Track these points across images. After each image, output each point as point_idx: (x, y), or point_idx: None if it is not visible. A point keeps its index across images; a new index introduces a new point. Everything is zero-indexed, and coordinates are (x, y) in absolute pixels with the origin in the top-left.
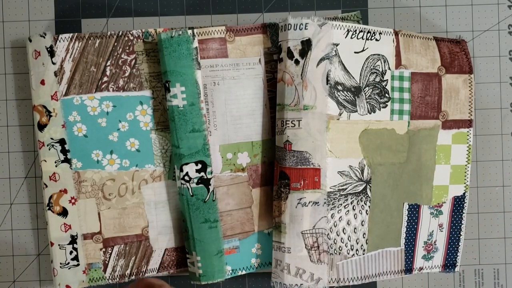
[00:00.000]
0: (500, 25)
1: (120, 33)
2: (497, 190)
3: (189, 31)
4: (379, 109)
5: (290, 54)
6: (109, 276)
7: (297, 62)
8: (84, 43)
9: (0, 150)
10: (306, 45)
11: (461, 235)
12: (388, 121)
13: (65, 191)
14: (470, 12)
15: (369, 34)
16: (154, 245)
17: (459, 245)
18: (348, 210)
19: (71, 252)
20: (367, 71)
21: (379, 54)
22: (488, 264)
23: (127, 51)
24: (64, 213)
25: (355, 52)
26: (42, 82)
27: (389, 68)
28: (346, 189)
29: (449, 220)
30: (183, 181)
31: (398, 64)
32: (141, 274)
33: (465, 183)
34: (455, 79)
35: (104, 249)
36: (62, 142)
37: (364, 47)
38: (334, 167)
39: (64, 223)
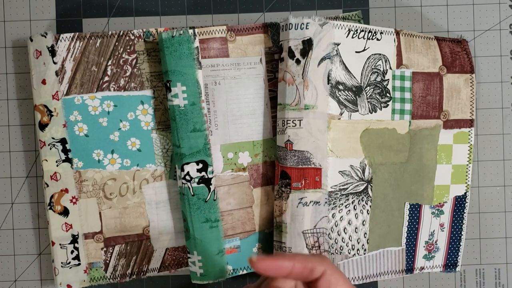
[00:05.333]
0: (502, 25)
1: (121, 33)
2: (499, 190)
3: (190, 31)
4: (380, 109)
5: (291, 54)
6: (110, 276)
7: (298, 61)
8: (85, 42)
9: (1, 149)
10: (307, 45)
11: (462, 234)
12: (389, 121)
13: (66, 190)
14: (471, 11)
15: (370, 33)
16: (155, 244)
17: (460, 245)
18: (349, 210)
19: (72, 252)
20: (368, 70)
21: (380, 54)
22: (489, 264)
23: (128, 50)
24: (65, 212)
25: (356, 52)
26: (43, 82)
27: (390, 68)
28: (347, 188)
29: (450, 219)
30: (184, 181)
31: (399, 63)
32: (142, 273)
33: (466, 183)
34: (457, 78)
35: (105, 249)
36: (63, 141)
37: (365, 47)
38: (335, 167)
39: (65, 223)
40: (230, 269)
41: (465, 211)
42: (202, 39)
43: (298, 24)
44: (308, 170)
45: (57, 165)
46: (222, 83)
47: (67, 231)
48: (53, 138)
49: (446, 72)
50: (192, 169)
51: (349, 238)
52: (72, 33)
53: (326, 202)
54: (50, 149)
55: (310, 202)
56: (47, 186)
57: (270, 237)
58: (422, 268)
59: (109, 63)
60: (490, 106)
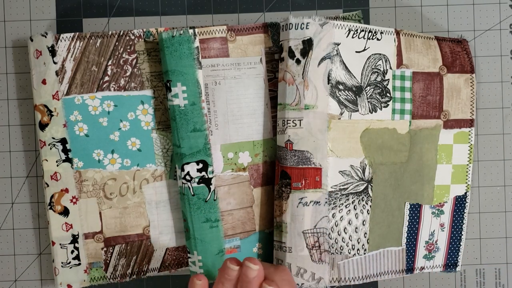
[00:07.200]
0: (502, 25)
1: (121, 33)
2: (499, 189)
3: (190, 31)
4: (381, 109)
5: (291, 54)
6: (110, 276)
7: (298, 61)
8: (86, 42)
9: (1, 149)
10: (307, 45)
11: (462, 234)
12: (390, 121)
13: (66, 190)
14: (472, 11)
15: (370, 33)
16: (155, 244)
17: (461, 245)
18: (349, 210)
19: (72, 252)
20: (368, 70)
21: (380, 54)
22: (490, 263)
23: (128, 50)
24: (65, 212)
25: (356, 52)
26: (44, 82)
27: (391, 68)
28: (347, 188)
29: (451, 219)
30: (184, 181)
31: (400, 63)
32: (142, 273)
33: (466, 182)
34: (457, 78)
35: (105, 249)
36: (63, 141)
37: (365, 47)
38: (335, 167)
39: (66, 223)
40: None
41: (465, 211)
42: (202, 39)
43: (298, 24)
44: (308, 170)
45: (57, 165)
46: (222, 83)
47: (67, 231)
48: (53, 138)
49: (446, 72)
50: (192, 169)
51: (349, 238)
52: (72, 33)
53: (326, 202)
54: (50, 149)
55: (310, 202)
56: (47, 186)
57: (270, 237)
58: (422, 268)
59: (109, 63)
60: (490, 106)
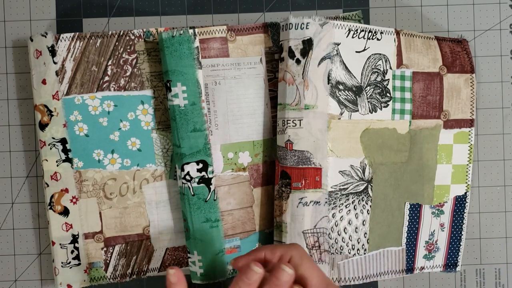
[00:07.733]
0: (502, 25)
1: (121, 33)
2: (499, 189)
3: (190, 31)
4: (381, 109)
5: (291, 54)
6: (110, 276)
7: (298, 61)
8: (86, 42)
9: (1, 149)
10: (307, 45)
11: (462, 234)
12: (390, 121)
13: (66, 190)
14: (472, 11)
15: (370, 33)
16: (155, 244)
17: (461, 245)
18: (349, 210)
19: (72, 252)
20: (368, 70)
21: (380, 54)
22: (490, 263)
23: (128, 50)
24: (65, 212)
25: (356, 52)
26: (44, 82)
27: (391, 68)
28: (347, 188)
29: (451, 219)
30: (184, 181)
31: (400, 63)
32: (142, 273)
33: (466, 182)
34: (457, 78)
35: (105, 249)
36: (63, 141)
37: (365, 47)
38: (335, 167)
39: (66, 223)
40: (230, 269)
41: (465, 211)
42: (202, 39)
43: (298, 24)
44: (308, 170)
45: (57, 165)
46: (222, 83)
47: (67, 231)
48: (53, 138)
49: (446, 72)
50: (192, 169)
51: (349, 238)
52: (72, 33)
53: (326, 202)
54: (50, 149)
55: (310, 202)
56: (47, 186)
57: (270, 237)
58: (422, 268)
59: (109, 63)
60: (490, 106)
